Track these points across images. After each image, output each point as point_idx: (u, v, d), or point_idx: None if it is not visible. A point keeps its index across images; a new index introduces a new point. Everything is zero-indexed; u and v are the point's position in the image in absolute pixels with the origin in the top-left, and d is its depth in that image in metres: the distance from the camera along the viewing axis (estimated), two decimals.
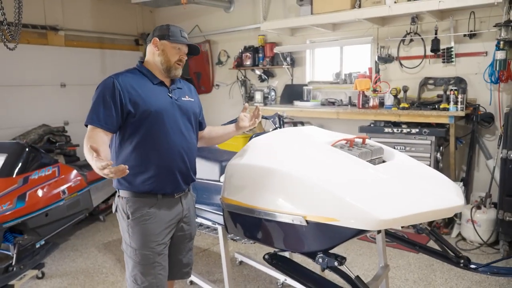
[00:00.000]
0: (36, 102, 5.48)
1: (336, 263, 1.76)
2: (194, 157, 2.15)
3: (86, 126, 1.88)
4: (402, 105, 4.12)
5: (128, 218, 1.97)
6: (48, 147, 4.49)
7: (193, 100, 2.15)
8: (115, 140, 1.98)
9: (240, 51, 5.74)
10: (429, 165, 3.90)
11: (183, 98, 2.09)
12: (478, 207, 3.76)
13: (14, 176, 3.43)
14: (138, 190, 1.96)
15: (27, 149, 3.60)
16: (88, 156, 1.68)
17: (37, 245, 3.43)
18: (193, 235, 2.25)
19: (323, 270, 1.84)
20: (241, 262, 3.51)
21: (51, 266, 3.57)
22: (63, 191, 3.75)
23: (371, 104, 4.34)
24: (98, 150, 1.61)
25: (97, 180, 4.34)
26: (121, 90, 1.88)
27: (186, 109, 2.08)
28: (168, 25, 2.04)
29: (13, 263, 3.14)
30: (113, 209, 2.09)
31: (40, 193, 3.51)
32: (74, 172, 4.02)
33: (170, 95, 2.03)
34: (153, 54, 2.02)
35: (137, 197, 1.96)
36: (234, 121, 2.63)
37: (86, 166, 4.38)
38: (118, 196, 2.03)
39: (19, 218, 3.27)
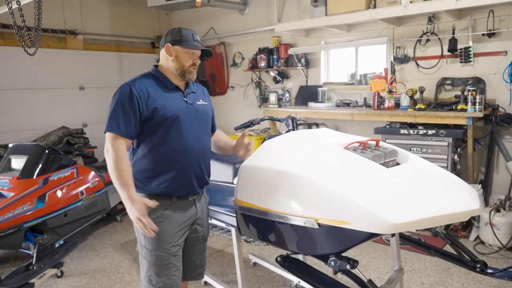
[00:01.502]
0: (56, 104, 5.62)
1: (348, 266, 1.76)
2: (208, 160, 2.18)
3: (105, 133, 1.92)
4: (418, 106, 4.07)
5: None
6: (67, 149, 4.60)
7: (206, 103, 2.18)
8: (131, 143, 2.02)
9: (255, 52, 5.76)
10: (446, 167, 3.85)
11: (197, 102, 2.11)
12: (498, 210, 3.68)
13: (34, 177, 3.53)
14: (153, 192, 1.99)
15: (46, 151, 3.70)
16: (118, 181, 1.82)
17: (57, 245, 3.53)
18: (206, 237, 2.27)
19: (335, 273, 1.84)
20: (255, 264, 3.52)
21: (69, 265, 3.65)
22: (82, 192, 3.84)
23: (386, 105, 4.29)
24: (150, 205, 1.82)
25: None
26: (138, 97, 1.91)
27: (201, 113, 2.11)
28: (180, 29, 2.04)
29: (33, 262, 3.23)
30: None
31: (59, 193, 3.60)
32: (92, 173, 4.10)
33: (185, 99, 2.06)
34: (166, 59, 2.04)
35: (152, 199, 1.99)
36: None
37: (103, 167, 4.45)
38: None
39: (39, 218, 3.37)
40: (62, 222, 3.59)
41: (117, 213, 4.75)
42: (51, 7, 5.37)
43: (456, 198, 1.83)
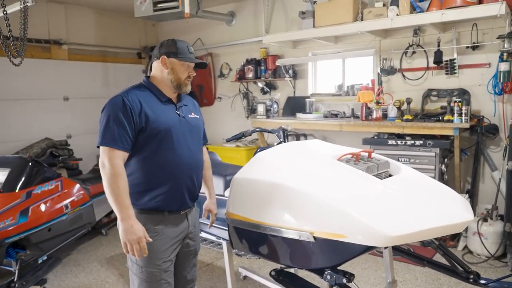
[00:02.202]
0: (39, 115, 5.49)
1: (344, 280, 1.74)
2: (201, 173, 2.15)
3: (98, 146, 1.84)
4: (405, 117, 4.11)
5: None
6: (51, 161, 4.48)
7: (198, 117, 2.15)
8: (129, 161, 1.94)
9: (242, 63, 5.76)
10: (434, 177, 3.88)
11: (189, 115, 2.09)
12: (485, 220, 3.72)
13: (17, 190, 3.41)
14: (144, 207, 1.94)
15: (30, 164, 3.59)
16: (115, 199, 1.77)
17: (40, 261, 3.40)
18: (197, 251, 2.23)
19: (331, 287, 1.81)
20: (245, 277, 3.46)
21: (53, 282, 3.53)
22: (66, 206, 3.73)
23: (374, 116, 4.33)
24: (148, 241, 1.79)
25: (99, 194, 4.31)
26: (131, 108, 1.86)
27: (193, 126, 2.08)
28: (175, 41, 2.01)
29: (15, 279, 3.10)
30: (119, 226, 2.05)
31: (43, 207, 3.49)
32: (77, 186, 4.00)
33: (178, 112, 2.03)
34: (161, 71, 2.00)
35: (143, 214, 1.93)
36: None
37: (89, 180, 4.37)
38: None
39: (22, 233, 3.25)
40: (46, 237, 3.47)
41: (102, 226, 4.63)
42: (36, 16, 5.27)
43: (450, 209, 1.84)
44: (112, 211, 4.67)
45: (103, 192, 4.56)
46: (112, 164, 1.79)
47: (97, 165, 5.13)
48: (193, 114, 2.12)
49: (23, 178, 3.50)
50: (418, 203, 1.79)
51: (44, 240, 3.45)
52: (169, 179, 1.94)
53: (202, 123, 2.21)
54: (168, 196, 1.95)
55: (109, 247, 4.33)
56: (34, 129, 5.36)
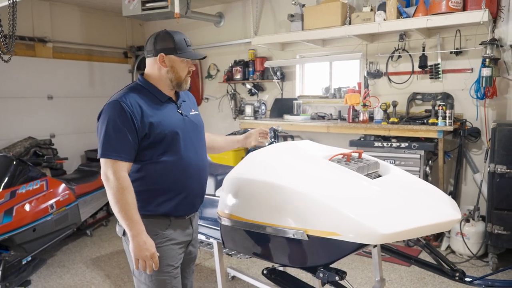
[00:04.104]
0: (22, 114, 5.38)
1: (337, 278, 1.77)
2: (207, 175, 2.05)
3: (98, 158, 1.72)
4: (391, 119, 4.19)
5: None
6: (35, 160, 4.40)
7: (198, 113, 2.04)
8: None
9: (230, 65, 5.78)
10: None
11: (191, 113, 1.97)
12: (467, 220, 3.82)
13: (0, 190, 3.35)
14: (151, 213, 1.81)
15: (14, 163, 3.53)
16: (123, 215, 1.66)
17: (24, 262, 3.34)
18: (196, 257, 2.16)
19: (323, 284, 1.83)
20: (233, 277, 3.46)
21: (37, 283, 3.46)
22: (51, 206, 3.67)
23: (361, 118, 4.40)
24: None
25: (85, 194, 4.26)
26: (132, 113, 1.71)
27: (196, 125, 1.97)
28: (171, 35, 1.83)
29: None
30: (120, 232, 1.89)
31: (27, 207, 3.42)
32: (63, 185, 3.94)
33: (180, 111, 1.90)
34: (158, 69, 1.84)
35: (149, 219, 1.79)
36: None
37: (74, 180, 4.31)
38: None
39: (6, 233, 3.19)
40: (30, 237, 3.41)
41: (87, 227, 4.57)
42: (20, 13, 5.11)
43: (438, 208, 1.89)
44: (97, 212, 4.64)
45: (88, 193, 4.54)
46: (117, 178, 1.67)
47: (82, 165, 5.08)
48: (193, 111, 2.00)
49: (6, 178, 3.44)
50: (408, 202, 1.83)
51: (29, 241, 3.39)
52: (176, 184, 1.83)
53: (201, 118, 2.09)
54: (176, 202, 1.85)
55: (94, 248, 4.27)
56: (17, 127, 5.25)
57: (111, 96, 1.81)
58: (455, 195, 4.25)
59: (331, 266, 1.83)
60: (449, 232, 3.97)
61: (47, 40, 5.62)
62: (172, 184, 1.83)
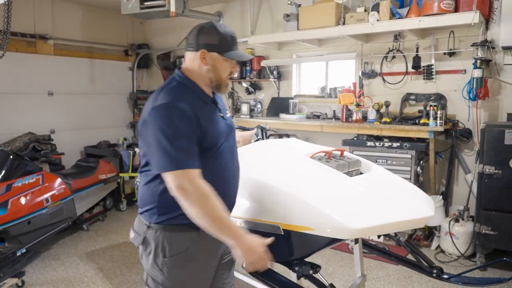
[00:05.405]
0: (23, 110, 5.47)
1: (311, 271, 1.82)
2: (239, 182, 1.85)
3: (162, 172, 1.50)
4: (384, 119, 4.23)
5: (165, 256, 1.61)
6: (33, 155, 4.49)
7: (230, 114, 1.85)
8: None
9: None
10: (410, 179, 4.00)
11: (227, 116, 1.77)
12: (457, 220, 3.85)
13: None
14: (179, 222, 1.60)
15: (11, 157, 3.61)
16: (216, 224, 1.49)
17: (18, 253, 3.40)
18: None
19: (298, 278, 1.89)
20: None
21: (31, 275, 3.54)
22: (47, 199, 3.74)
23: (354, 118, 4.44)
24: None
25: (81, 189, 4.34)
26: (190, 117, 1.50)
27: (233, 128, 1.79)
28: (217, 29, 1.62)
29: None
30: (137, 241, 1.68)
31: (23, 200, 3.50)
32: (59, 180, 4.01)
33: (221, 114, 1.71)
34: (199, 65, 1.63)
35: (176, 231, 1.62)
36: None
37: (71, 175, 4.39)
38: (149, 226, 1.63)
39: (1, 225, 3.26)
40: (25, 230, 3.49)
41: (83, 221, 4.65)
42: (21, 10, 5.28)
43: (413, 205, 1.94)
44: (93, 207, 4.72)
45: (85, 188, 4.62)
46: (197, 187, 1.47)
47: (80, 160, 5.16)
48: (228, 112, 1.79)
49: (3, 171, 3.51)
50: (383, 198, 1.88)
51: (23, 233, 3.47)
52: (220, 190, 1.58)
53: None
54: None
55: (90, 242, 4.35)
56: (18, 123, 5.34)
57: (154, 99, 1.56)
58: (446, 195, 4.28)
59: (308, 260, 1.88)
60: (439, 231, 4.00)
61: (48, 37, 5.70)
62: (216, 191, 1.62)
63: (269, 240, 1.61)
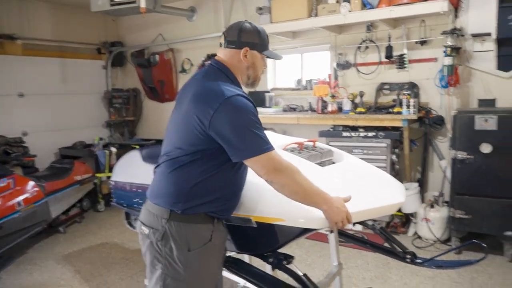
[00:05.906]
0: None
1: (284, 262, 1.82)
2: None
3: (250, 157, 1.54)
4: (359, 109, 4.26)
5: (189, 250, 1.61)
6: (3, 158, 4.36)
7: None
8: (203, 159, 1.60)
9: (204, 59, 5.77)
10: (386, 167, 4.05)
11: None
12: (432, 206, 3.93)
13: None
14: (203, 210, 1.64)
15: None
16: (312, 192, 1.58)
17: None
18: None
19: (273, 269, 1.88)
20: None
21: (5, 281, 3.45)
22: (19, 203, 3.65)
23: (329, 109, 4.46)
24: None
25: (56, 191, 4.24)
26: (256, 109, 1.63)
27: None
28: (258, 29, 1.73)
29: None
30: (155, 238, 1.62)
31: None
32: (31, 183, 3.91)
33: None
34: (238, 61, 1.70)
35: (197, 222, 1.64)
36: None
37: (45, 177, 4.28)
38: (168, 220, 1.60)
39: None
40: None
41: (60, 224, 4.55)
42: None
43: (384, 192, 1.96)
44: (69, 209, 4.62)
45: (59, 190, 4.51)
46: (286, 164, 1.56)
47: (54, 161, 5.04)
48: None
49: None
50: (354, 187, 1.89)
51: None
52: (241, 186, 1.75)
53: None
54: (233, 204, 1.76)
55: (66, 244, 4.26)
56: None
57: (219, 92, 1.57)
58: (422, 182, 4.35)
59: (281, 251, 1.88)
60: (415, 218, 4.07)
61: (16, 37, 5.52)
62: (240, 186, 1.75)
63: (349, 197, 1.68)
